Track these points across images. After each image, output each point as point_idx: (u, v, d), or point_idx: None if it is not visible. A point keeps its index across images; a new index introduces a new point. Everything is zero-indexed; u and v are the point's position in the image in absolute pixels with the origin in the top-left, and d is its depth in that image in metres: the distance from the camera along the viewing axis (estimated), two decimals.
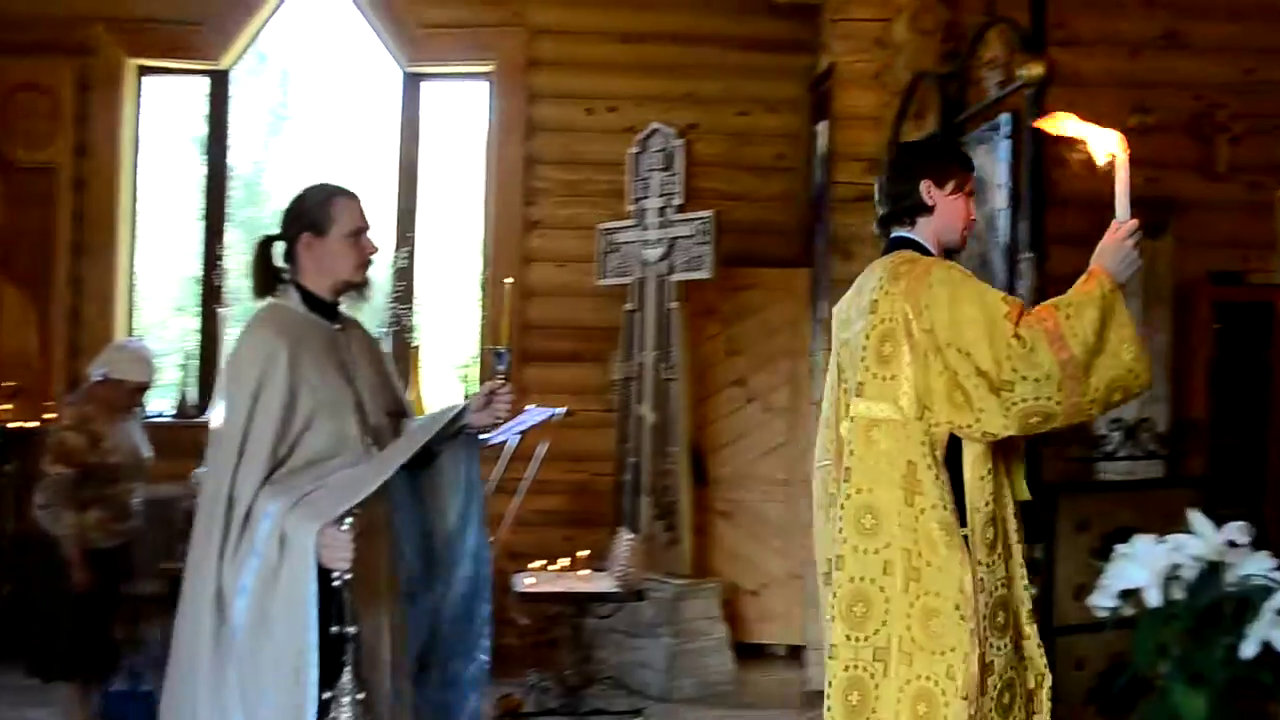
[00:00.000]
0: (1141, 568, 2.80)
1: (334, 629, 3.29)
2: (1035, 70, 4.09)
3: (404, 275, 8.15)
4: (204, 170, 8.42)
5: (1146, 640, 2.75)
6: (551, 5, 7.97)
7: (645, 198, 7.30)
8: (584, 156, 7.93)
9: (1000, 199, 4.55)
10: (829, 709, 3.45)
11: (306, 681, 3.27)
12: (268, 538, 3.32)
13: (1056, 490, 4.32)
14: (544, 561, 6.60)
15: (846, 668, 3.41)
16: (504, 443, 6.67)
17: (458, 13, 7.96)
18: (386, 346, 7.97)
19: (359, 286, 3.70)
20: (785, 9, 7.12)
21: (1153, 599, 2.73)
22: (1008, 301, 3.28)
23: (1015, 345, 3.21)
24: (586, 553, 6.61)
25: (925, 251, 3.52)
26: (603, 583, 6.31)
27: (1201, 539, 2.76)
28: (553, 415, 6.69)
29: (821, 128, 6.79)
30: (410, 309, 8.13)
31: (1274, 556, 2.74)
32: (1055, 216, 6.49)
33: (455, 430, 3.77)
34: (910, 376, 3.38)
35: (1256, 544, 2.73)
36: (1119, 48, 6.74)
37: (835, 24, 6.66)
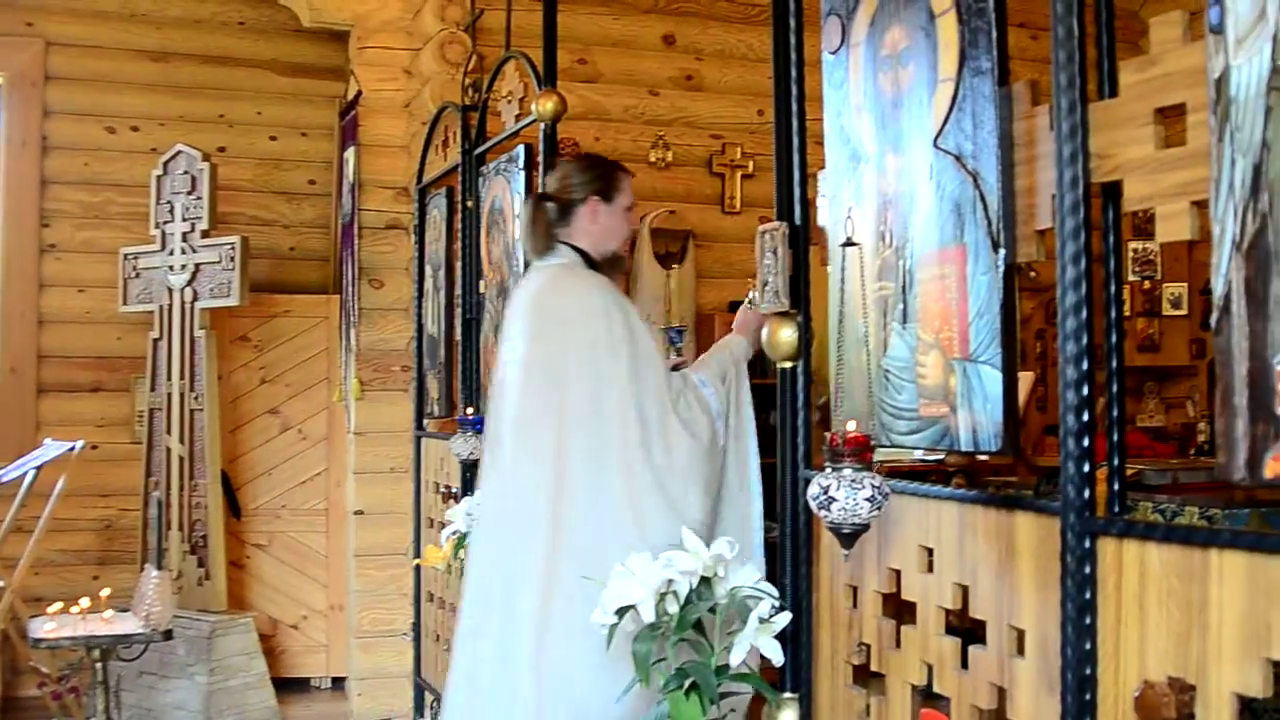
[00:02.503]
0: (637, 585, 2.91)
1: None
2: (546, 105, 4.20)
3: None
4: None
5: (645, 654, 2.86)
6: (69, 17, 7.54)
7: (170, 222, 7.01)
8: (105, 177, 7.56)
9: (517, 229, 4.64)
10: None
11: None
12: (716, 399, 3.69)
13: None
14: (64, 604, 6.23)
15: None
16: (20, 478, 6.30)
17: None
18: None
19: (619, 260, 3.87)
20: (316, 34, 7.03)
21: (646, 615, 2.84)
22: None
23: None
24: (108, 592, 6.29)
25: None
26: (128, 624, 6.00)
27: (692, 555, 2.90)
28: (71, 449, 6.37)
29: (350, 154, 6.76)
30: None
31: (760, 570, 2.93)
32: None
33: None
34: None
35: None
36: (640, 87, 7.01)
37: (363, 51, 6.65)
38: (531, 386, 3.65)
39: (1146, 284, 8.05)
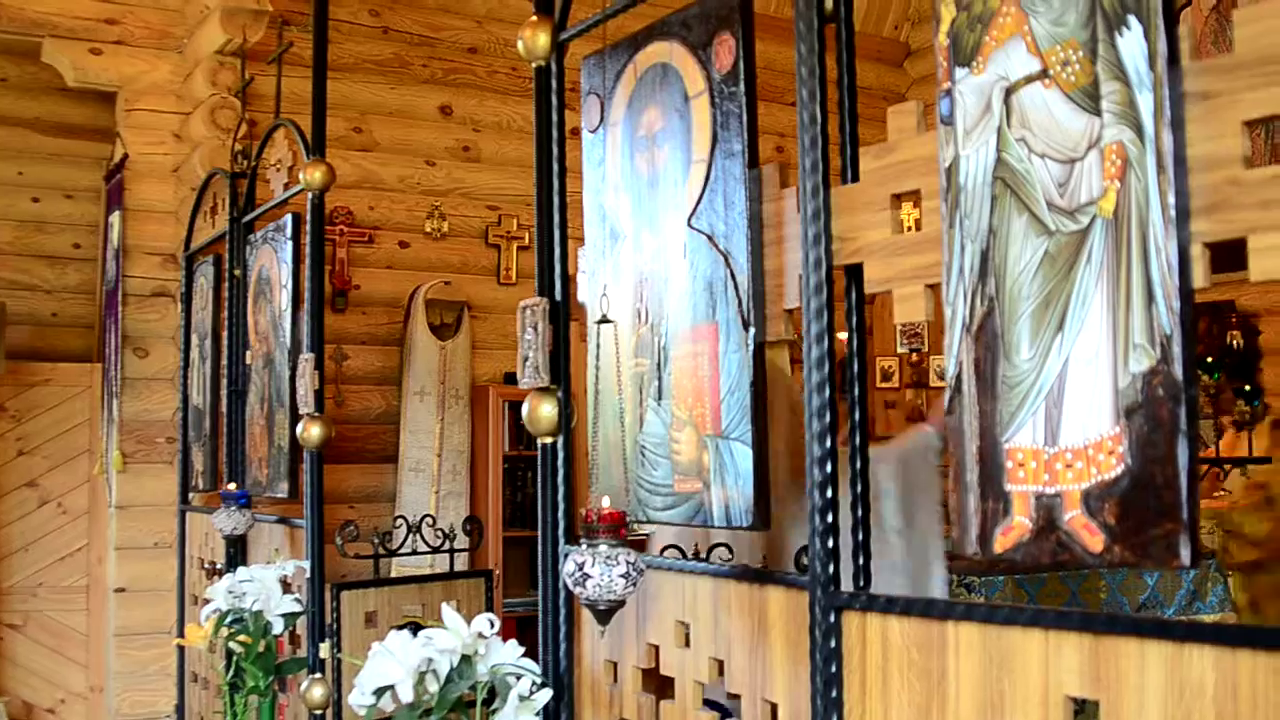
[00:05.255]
0: (396, 664, 2.86)
1: None
2: (315, 175, 4.15)
3: None
4: None
5: None
6: None
7: None
8: None
9: (284, 299, 4.57)
10: None
11: None
12: None
13: (340, 587, 4.35)
14: None
15: None
16: None
17: None
18: None
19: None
20: (83, 93, 6.82)
21: (404, 694, 2.79)
22: None
23: None
24: None
25: None
26: None
27: (452, 632, 2.86)
28: None
29: (115, 218, 6.56)
30: None
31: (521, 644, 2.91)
32: (356, 318, 6.67)
33: None
34: None
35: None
36: (417, 157, 6.99)
37: (131, 114, 6.47)
38: None
39: (914, 356, 8.30)
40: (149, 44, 6.50)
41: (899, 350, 8.23)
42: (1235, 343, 7.20)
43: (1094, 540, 1.74)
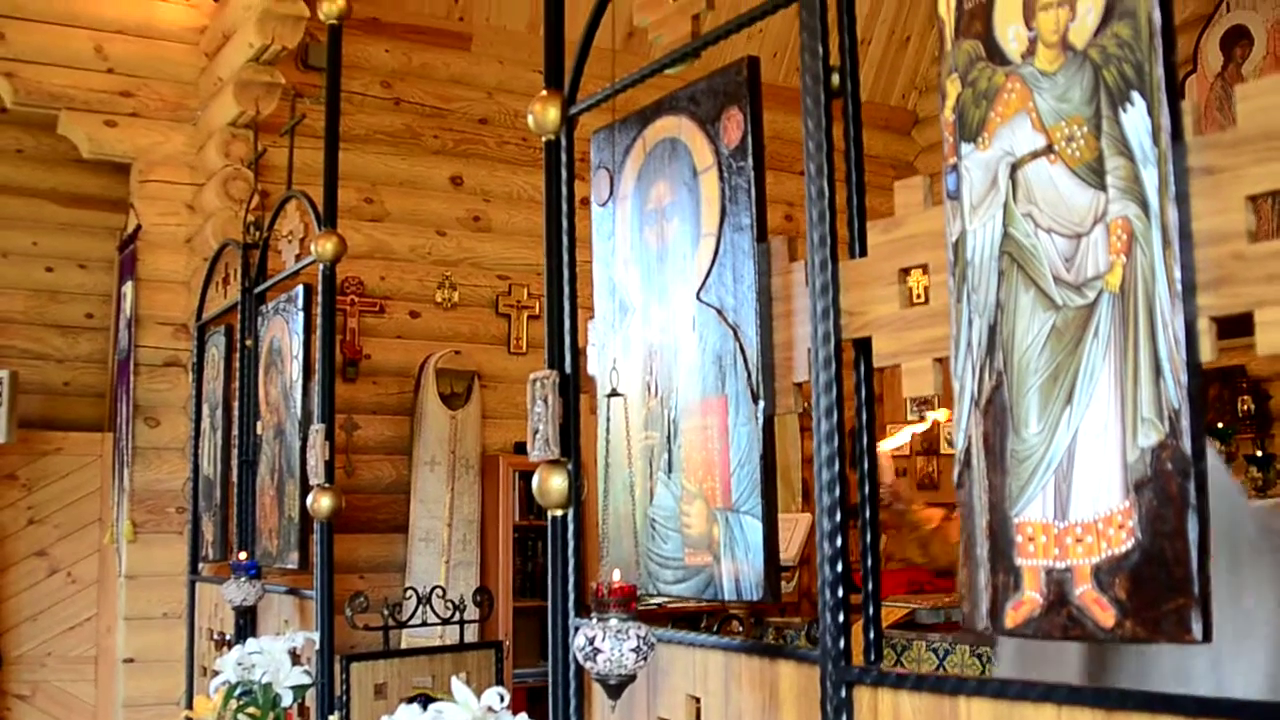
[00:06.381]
0: None
1: None
2: (326, 246, 4.18)
3: None
4: None
5: None
6: None
7: None
8: None
9: (295, 370, 4.58)
10: None
11: None
12: None
13: (349, 658, 4.33)
14: None
15: None
16: None
17: None
18: None
19: None
20: (97, 164, 6.88)
21: None
22: None
23: None
24: None
25: None
26: None
27: (462, 705, 2.86)
28: None
29: (128, 288, 6.60)
30: None
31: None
32: (367, 387, 6.69)
33: None
34: None
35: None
36: (428, 227, 7.04)
37: (145, 185, 6.53)
38: None
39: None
40: (163, 116, 6.57)
41: (909, 418, 8.22)
42: (1246, 408, 7.19)
43: (1105, 615, 1.73)
